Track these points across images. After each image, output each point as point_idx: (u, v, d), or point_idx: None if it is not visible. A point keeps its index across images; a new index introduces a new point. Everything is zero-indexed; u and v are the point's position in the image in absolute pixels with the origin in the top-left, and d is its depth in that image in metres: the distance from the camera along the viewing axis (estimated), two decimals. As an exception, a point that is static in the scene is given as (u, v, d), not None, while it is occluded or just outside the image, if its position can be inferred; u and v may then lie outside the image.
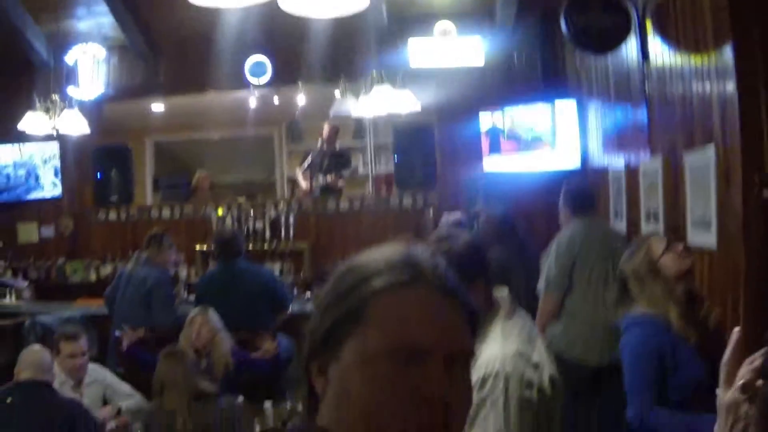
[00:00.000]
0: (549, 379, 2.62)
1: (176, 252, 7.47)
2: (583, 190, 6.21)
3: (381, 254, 1.29)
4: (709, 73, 4.78)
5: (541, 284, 5.71)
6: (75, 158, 9.69)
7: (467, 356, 1.24)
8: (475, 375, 2.51)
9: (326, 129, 10.40)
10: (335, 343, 1.22)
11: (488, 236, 6.63)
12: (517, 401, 2.51)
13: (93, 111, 9.32)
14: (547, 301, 5.62)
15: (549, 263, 5.65)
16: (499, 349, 2.61)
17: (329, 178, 9.99)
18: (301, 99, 11.78)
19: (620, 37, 6.02)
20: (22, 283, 9.21)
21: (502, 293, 2.82)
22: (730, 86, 4.44)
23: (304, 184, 10.07)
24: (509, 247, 6.25)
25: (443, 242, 2.77)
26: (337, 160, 10.33)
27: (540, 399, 2.57)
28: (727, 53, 4.47)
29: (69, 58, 9.22)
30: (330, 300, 1.27)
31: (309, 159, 10.26)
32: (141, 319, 6.68)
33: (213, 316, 5.57)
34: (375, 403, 1.16)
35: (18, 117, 8.43)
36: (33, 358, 4.31)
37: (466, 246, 2.74)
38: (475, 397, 1.19)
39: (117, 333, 6.69)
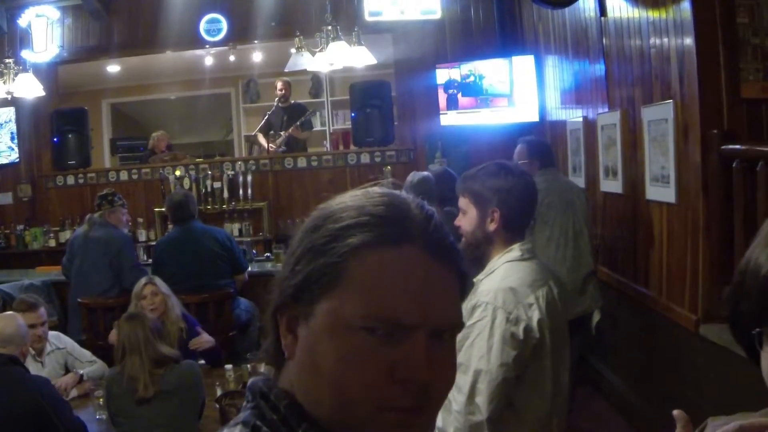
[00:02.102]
0: (538, 321, 2.66)
1: (127, 211, 7.35)
2: (546, 143, 6.19)
3: (364, 200, 1.09)
4: (666, 27, 4.77)
5: None
6: (31, 123, 9.48)
7: (456, 328, 1.09)
8: (469, 303, 2.68)
9: (279, 85, 10.29)
10: (308, 300, 1.06)
11: (448, 191, 6.60)
12: (501, 333, 2.64)
13: (48, 74, 9.13)
14: None
15: None
16: (495, 283, 2.74)
17: (291, 129, 9.89)
18: (257, 57, 11.70)
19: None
20: (-19, 252, 9.09)
21: (525, 244, 2.88)
22: (688, 40, 4.45)
23: (265, 144, 9.97)
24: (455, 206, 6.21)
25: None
26: (294, 113, 10.23)
27: (526, 337, 2.66)
28: (685, 6, 4.48)
29: (22, 20, 9.00)
30: (304, 250, 1.09)
31: (265, 120, 10.15)
32: (108, 283, 6.60)
33: (160, 282, 5.51)
34: (346, 379, 1.01)
35: (-28, 82, 8.22)
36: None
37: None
38: (465, 322, 1.14)
39: (79, 300, 6.63)
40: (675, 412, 1.26)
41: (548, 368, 2.72)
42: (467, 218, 2.91)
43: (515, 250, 2.83)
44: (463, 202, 2.94)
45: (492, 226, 2.84)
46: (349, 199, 1.11)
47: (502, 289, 2.71)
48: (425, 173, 6.54)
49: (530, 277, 2.77)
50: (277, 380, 1.14)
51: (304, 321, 1.07)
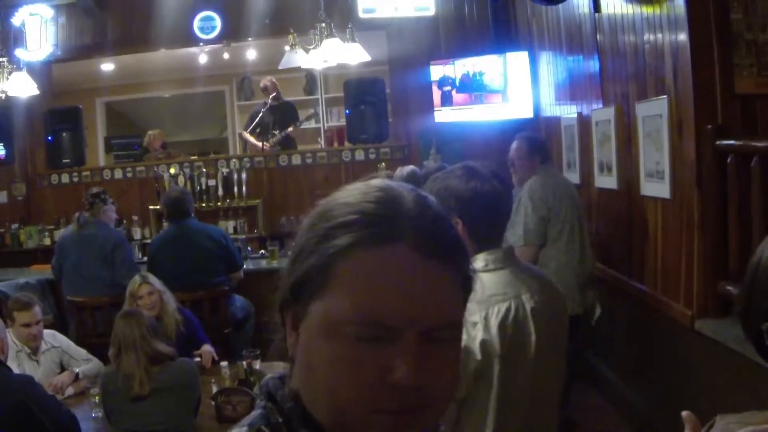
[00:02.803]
0: (481, 343, 2.42)
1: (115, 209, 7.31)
2: (542, 139, 6.18)
3: (358, 196, 1.06)
4: (660, 23, 4.78)
5: (512, 237, 5.34)
6: (25, 121, 9.47)
7: (453, 327, 1.05)
8: None
9: (269, 85, 10.26)
10: (304, 300, 1.06)
11: None
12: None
13: (42, 73, 9.10)
14: (526, 254, 5.21)
15: (524, 215, 5.41)
16: None
17: (290, 129, 9.89)
18: (251, 54, 11.69)
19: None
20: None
21: (494, 253, 2.59)
22: (682, 36, 4.45)
23: (255, 142, 9.95)
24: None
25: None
26: (285, 113, 10.22)
27: (465, 358, 2.38)
28: (679, 2, 4.48)
29: (16, 19, 8.98)
30: (299, 248, 1.09)
31: (257, 119, 10.11)
32: (105, 282, 6.59)
33: (154, 279, 5.52)
34: (337, 382, 1.00)
35: (-35, 81, 8.19)
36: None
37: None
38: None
39: (69, 297, 6.62)
40: (684, 414, 1.26)
41: (494, 395, 2.47)
42: None
43: (479, 260, 2.54)
44: None
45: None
46: (346, 194, 1.09)
47: None
48: (412, 167, 6.53)
49: (488, 291, 2.49)
50: (289, 378, 1.13)
51: (303, 318, 1.07)
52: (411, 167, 6.52)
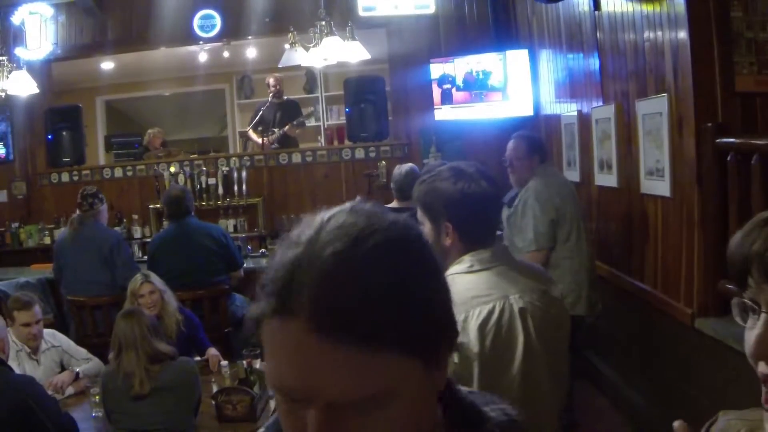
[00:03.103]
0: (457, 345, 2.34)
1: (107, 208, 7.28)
2: (541, 138, 6.15)
3: (280, 254, 1.00)
4: (661, 21, 4.77)
5: (521, 242, 5.34)
6: (26, 120, 9.48)
7: (371, 400, 0.94)
8: None
9: (272, 81, 10.28)
10: None
11: (401, 194, 6.54)
12: None
13: (42, 71, 9.11)
14: (537, 258, 5.09)
15: (533, 218, 5.29)
16: None
17: (287, 128, 9.91)
18: (251, 52, 11.70)
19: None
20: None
21: (480, 254, 2.54)
22: (683, 34, 4.45)
23: (257, 140, 9.96)
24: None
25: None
26: (288, 110, 10.24)
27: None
28: (679, 0, 4.47)
29: (15, 18, 8.97)
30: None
31: (258, 115, 10.13)
32: (104, 283, 6.58)
33: (155, 278, 5.51)
34: (285, 429, 1.02)
35: (-35, 80, 8.19)
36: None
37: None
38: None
39: (69, 297, 6.61)
40: (675, 424, 1.26)
41: None
42: (425, 231, 2.54)
43: (464, 262, 2.53)
44: (419, 213, 2.63)
45: (447, 241, 2.56)
46: (286, 241, 1.02)
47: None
48: (410, 165, 6.54)
49: (469, 293, 2.45)
50: None
51: None
52: (409, 165, 6.51)
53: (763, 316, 1.20)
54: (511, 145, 5.58)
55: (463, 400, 1.17)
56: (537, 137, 5.92)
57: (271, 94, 10.22)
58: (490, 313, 2.43)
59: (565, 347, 2.68)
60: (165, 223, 7.44)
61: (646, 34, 5.05)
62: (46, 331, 5.28)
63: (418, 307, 0.97)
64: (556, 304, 2.68)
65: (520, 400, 2.34)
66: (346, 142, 9.83)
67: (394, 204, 6.27)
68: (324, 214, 1.02)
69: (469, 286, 2.47)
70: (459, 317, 2.23)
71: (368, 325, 0.92)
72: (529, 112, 8.14)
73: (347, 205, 1.04)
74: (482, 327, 2.40)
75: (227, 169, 9.12)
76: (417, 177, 6.02)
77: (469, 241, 2.56)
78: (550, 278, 2.82)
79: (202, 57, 11.51)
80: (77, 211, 6.90)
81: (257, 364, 4.89)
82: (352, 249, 0.95)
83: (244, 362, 4.77)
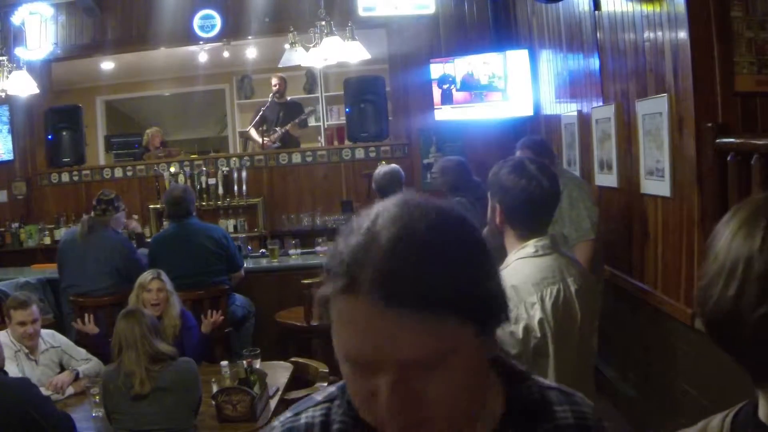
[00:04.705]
0: (539, 321, 2.69)
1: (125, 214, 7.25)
2: (546, 141, 6.17)
3: (343, 240, 1.13)
4: (661, 21, 4.77)
5: (575, 233, 5.35)
6: (26, 120, 9.48)
7: (437, 358, 1.07)
8: None
9: (275, 81, 10.29)
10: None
11: (447, 185, 6.61)
12: (500, 332, 2.54)
13: (42, 71, 9.14)
14: (593, 246, 5.34)
15: (585, 209, 5.36)
16: None
17: (289, 126, 9.91)
18: (251, 53, 11.70)
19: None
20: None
21: (542, 240, 2.88)
22: (683, 34, 4.44)
23: (258, 139, 9.97)
24: (467, 196, 6.15)
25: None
26: (291, 110, 10.24)
27: (526, 337, 2.69)
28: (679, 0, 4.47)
29: (16, 18, 8.97)
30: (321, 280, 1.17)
31: (259, 115, 10.13)
32: (108, 290, 6.55)
33: (166, 279, 5.51)
34: (353, 397, 1.16)
35: (-35, 80, 8.19)
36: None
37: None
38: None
39: (71, 297, 6.59)
40: None
41: (552, 369, 2.72)
42: (490, 205, 2.96)
43: (529, 247, 2.84)
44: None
45: (497, 219, 2.89)
46: (347, 229, 1.15)
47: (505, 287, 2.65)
48: (393, 166, 6.66)
49: (540, 275, 2.78)
50: None
51: None
52: (390, 166, 6.69)
53: None
54: (518, 155, 5.55)
55: (532, 394, 1.29)
56: (541, 140, 5.92)
57: (271, 94, 10.21)
58: (558, 292, 2.78)
59: (597, 324, 3.12)
60: (165, 223, 7.44)
61: (646, 34, 5.05)
62: (45, 331, 5.28)
63: (468, 277, 1.10)
64: (595, 288, 3.18)
65: (577, 367, 2.84)
66: (346, 142, 9.83)
67: None
68: (379, 205, 1.16)
69: (539, 269, 2.81)
70: (536, 296, 2.74)
71: (425, 294, 1.05)
72: (529, 112, 8.15)
73: (399, 196, 1.17)
74: (555, 305, 2.75)
75: (227, 169, 9.13)
76: (396, 178, 6.22)
77: (523, 229, 2.89)
78: (583, 266, 3.19)
79: (202, 57, 11.51)
80: (91, 213, 6.89)
81: (257, 364, 4.89)
82: (408, 231, 1.08)
83: (244, 362, 4.76)
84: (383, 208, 1.14)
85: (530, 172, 2.82)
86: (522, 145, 5.62)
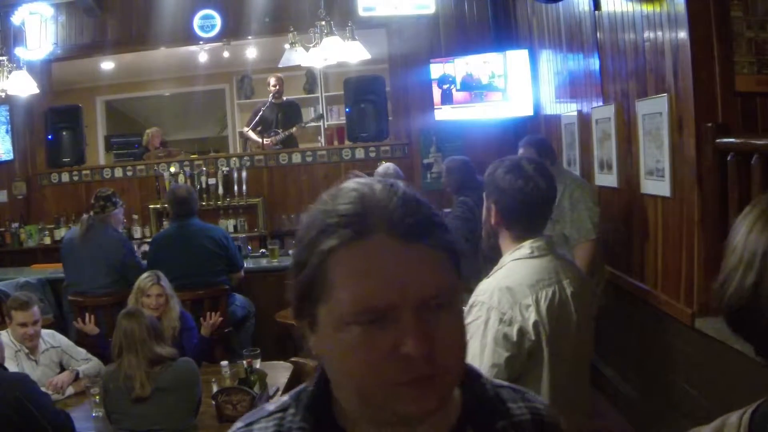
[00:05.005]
0: (534, 324, 2.63)
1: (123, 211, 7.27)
2: (548, 141, 6.18)
3: (331, 202, 1.15)
4: (661, 21, 4.77)
5: (577, 233, 5.40)
6: (25, 120, 9.49)
7: (446, 292, 1.12)
8: (468, 301, 2.70)
9: (272, 81, 10.27)
10: (311, 306, 1.15)
11: (451, 185, 6.63)
12: (494, 334, 2.60)
13: (42, 71, 9.14)
14: (594, 247, 5.42)
15: (586, 209, 5.41)
16: (495, 282, 2.72)
17: (294, 129, 9.90)
18: (251, 53, 11.70)
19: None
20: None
21: (538, 241, 2.83)
22: (683, 33, 4.44)
23: (258, 139, 9.97)
24: (471, 196, 6.15)
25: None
26: (289, 111, 10.23)
27: (520, 339, 2.62)
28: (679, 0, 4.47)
29: (16, 18, 8.98)
30: (296, 258, 1.18)
31: (258, 116, 10.10)
32: (107, 288, 6.58)
33: (166, 283, 5.50)
34: (356, 368, 1.10)
35: (-35, 80, 8.19)
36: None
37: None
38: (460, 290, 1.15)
39: (70, 297, 6.60)
40: None
41: (546, 372, 2.66)
42: (485, 206, 2.93)
43: (524, 248, 2.79)
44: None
45: (493, 219, 2.85)
46: (322, 202, 1.17)
47: (499, 289, 2.66)
48: (390, 164, 6.68)
49: (535, 277, 2.72)
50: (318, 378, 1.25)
51: (316, 322, 1.16)
52: (389, 164, 6.70)
53: None
54: (522, 153, 5.52)
55: (486, 392, 1.29)
56: (543, 140, 5.93)
57: (270, 95, 10.21)
58: (554, 294, 2.71)
59: (593, 324, 3.05)
60: (165, 224, 7.44)
61: (646, 34, 5.04)
62: (45, 331, 5.28)
63: (444, 223, 1.18)
64: (591, 291, 3.07)
65: (573, 368, 2.80)
66: (346, 142, 9.83)
67: None
68: (346, 182, 1.20)
69: (534, 271, 2.75)
70: (531, 297, 2.67)
71: (433, 232, 1.13)
72: (529, 112, 8.14)
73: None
74: (550, 308, 2.68)
75: (227, 169, 9.14)
76: (399, 177, 6.19)
77: (518, 230, 2.84)
78: (579, 268, 3.15)
79: (202, 57, 11.52)
80: (90, 212, 6.90)
81: (257, 363, 4.90)
82: (395, 184, 1.17)
83: (245, 362, 4.77)
84: (352, 181, 1.19)
85: (527, 173, 2.78)
86: (525, 143, 5.64)
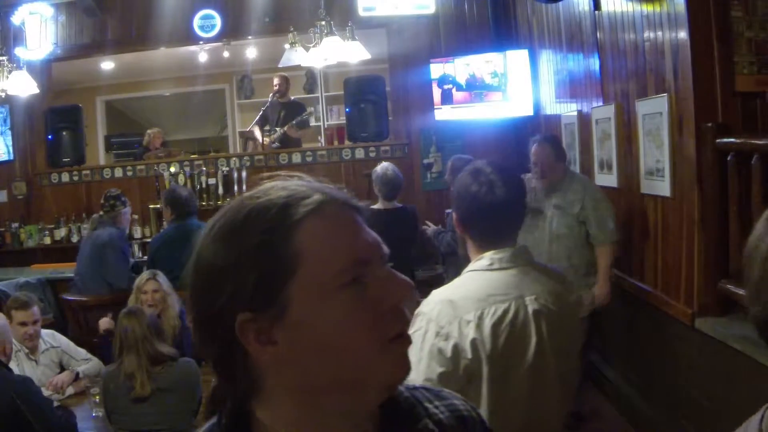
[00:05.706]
0: (472, 341, 2.37)
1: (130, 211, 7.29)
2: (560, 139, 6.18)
3: (269, 194, 1.17)
4: (661, 21, 4.77)
5: (602, 234, 5.33)
6: (26, 120, 9.47)
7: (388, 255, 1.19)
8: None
9: (277, 81, 10.27)
10: (269, 299, 1.08)
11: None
12: (429, 347, 2.41)
13: (42, 71, 9.13)
14: (616, 249, 5.39)
15: (606, 210, 5.35)
16: (441, 293, 2.53)
17: (287, 128, 9.89)
18: (251, 53, 11.69)
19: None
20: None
21: (500, 252, 2.55)
22: (683, 33, 4.44)
23: (260, 137, 9.97)
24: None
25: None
26: (292, 110, 10.23)
27: (455, 356, 2.39)
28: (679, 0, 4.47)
29: (16, 18, 8.97)
30: (239, 255, 1.11)
31: (260, 114, 10.12)
32: (99, 280, 6.58)
33: (163, 279, 5.50)
34: (355, 330, 1.08)
35: (-35, 80, 8.19)
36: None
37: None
38: None
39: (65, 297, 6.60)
40: None
41: (485, 396, 2.40)
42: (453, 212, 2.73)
43: (484, 259, 2.55)
44: None
45: (458, 229, 2.66)
46: (251, 202, 1.18)
47: (442, 301, 2.47)
48: (388, 164, 6.69)
49: (486, 291, 2.47)
50: (255, 406, 1.18)
51: (278, 321, 1.08)
52: (387, 165, 6.71)
53: None
54: (536, 149, 5.49)
55: (401, 394, 1.26)
56: (558, 138, 5.92)
57: (271, 94, 10.20)
58: (505, 312, 2.44)
59: (575, 351, 2.70)
60: (165, 224, 7.43)
61: (646, 34, 5.04)
62: (45, 331, 5.28)
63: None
64: (571, 308, 2.68)
65: (528, 399, 2.45)
66: (346, 142, 9.82)
67: (378, 206, 6.37)
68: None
69: (487, 284, 2.49)
70: (474, 313, 2.41)
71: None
72: (529, 112, 8.14)
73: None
74: (496, 326, 2.41)
75: (227, 169, 9.13)
76: (398, 177, 6.22)
77: (479, 239, 2.60)
78: (569, 282, 2.84)
79: (202, 57, 11.51)
80: (100, 212, 6.92)
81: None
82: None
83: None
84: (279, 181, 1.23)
85: (484, 179, 2.55)
86: (542, 139, 5.54)
